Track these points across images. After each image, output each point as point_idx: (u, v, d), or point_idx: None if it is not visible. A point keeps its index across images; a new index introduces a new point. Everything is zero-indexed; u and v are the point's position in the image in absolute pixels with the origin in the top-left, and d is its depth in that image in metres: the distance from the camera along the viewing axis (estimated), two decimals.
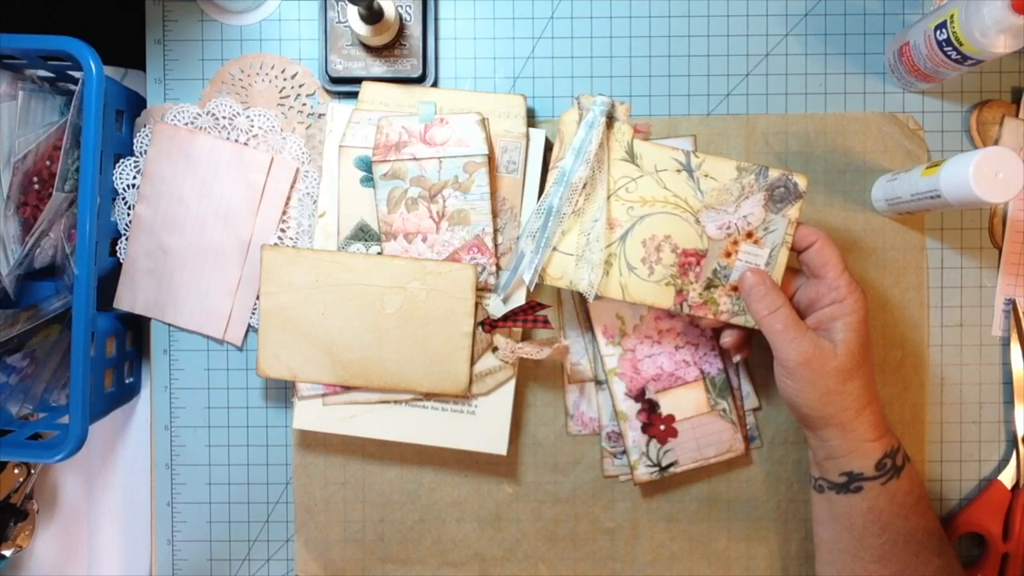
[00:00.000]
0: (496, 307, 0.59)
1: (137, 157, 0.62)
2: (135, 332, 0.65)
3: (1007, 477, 0.62)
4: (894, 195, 0.59)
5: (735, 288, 0.55)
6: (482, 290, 0.58)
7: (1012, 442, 0.62)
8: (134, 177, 0.61)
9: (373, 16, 0.57)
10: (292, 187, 0.61)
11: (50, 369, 0.62)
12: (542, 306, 0.57)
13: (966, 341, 0.63)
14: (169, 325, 0.63)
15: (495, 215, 0.58)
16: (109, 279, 0.62)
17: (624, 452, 0.61)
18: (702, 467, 0.60)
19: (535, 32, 0.63)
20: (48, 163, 0.58)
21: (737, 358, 0.57)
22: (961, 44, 0.53)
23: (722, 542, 0.63)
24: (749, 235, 0.54)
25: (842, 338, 0.50)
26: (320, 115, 0.62)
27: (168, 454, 0.63)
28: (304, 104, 0.62)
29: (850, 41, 0.62)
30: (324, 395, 0.58)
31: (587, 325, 0.61)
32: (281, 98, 0.62)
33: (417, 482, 0.63)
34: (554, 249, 0.55)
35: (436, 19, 0.62)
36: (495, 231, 0.58)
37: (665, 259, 0.55)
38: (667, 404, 0.60)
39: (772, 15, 0.62)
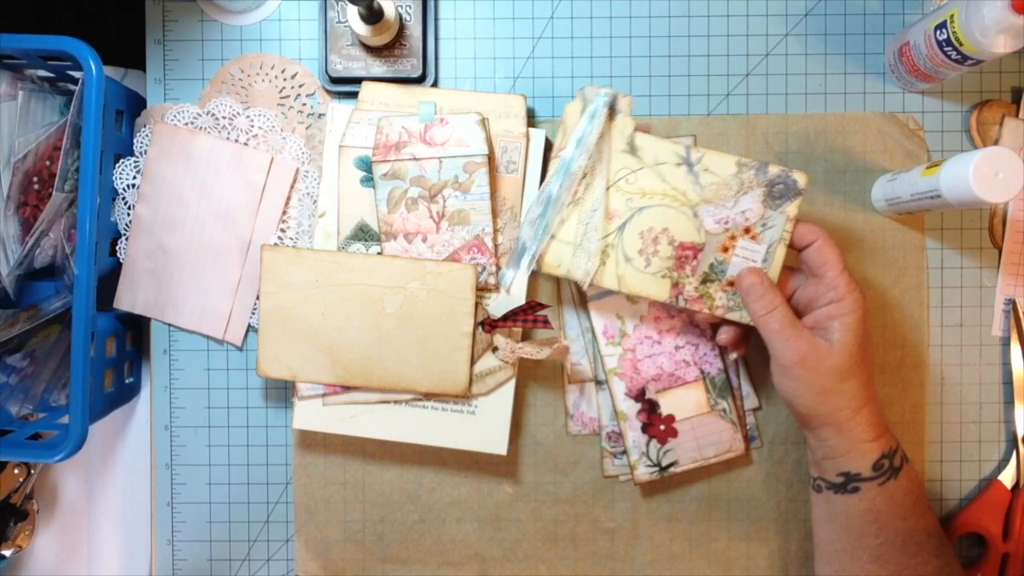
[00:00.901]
0: (496, 307, 0.59)
1: (137, 157, 0.62)
2: (135, 332, 0.65)
3: (1007, 477, 0.62)
4: (894, 195, 0.59)
5: (731, 283, 0.55)
6: (482, 290, 0.58)
7: (1012, 442, 0.62)
8: (134, 177, 0.61)
9: (373, 16, 0.57)
10: (292, 187, 0.61)
11: (50, 369, 0.62)
12: (542, 306, 0.57)
13: (966, 341, 0.63)
14: (169, 325, 0.63)
15: (495, 215, 0.58)
16: (109, 279, 0.62)
17: (624, 452, 0.61)
18: (702, 467, 0.60)
19: (535, 32, 0.63)
20: (48, 163, 0.58)
21: (733, 356, 0.57)
22: (961, 44, 0.53)
23: (722, 542, 0.63)
24: (747, 231, 0.54)
25: (839, 337, 0.50)
26: (320, 115, 0.62)
27: (168, 454, 0.63)
28: (304, 104, 0.62)
29: (850, 41, 0.62)
30: (324, 395, 0.58)
31: (587, 325, 0.61)
32: (281, 98, 0.62)
33: (417, 482, 0.63)
34: (552, 237, 0.55)
35: (436, 19, 0.62)
36: (495, 231, 0.58)
37: (662, 251, 0.55)
38: (667, 404, 0.60)
39: (772, 15, 0.62)
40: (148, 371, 0.64)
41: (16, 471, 0.64)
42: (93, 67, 0.53)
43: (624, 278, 0.55)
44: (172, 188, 0.61)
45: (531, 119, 0.62)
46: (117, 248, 0.62)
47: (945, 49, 0.54)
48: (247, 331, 0.62)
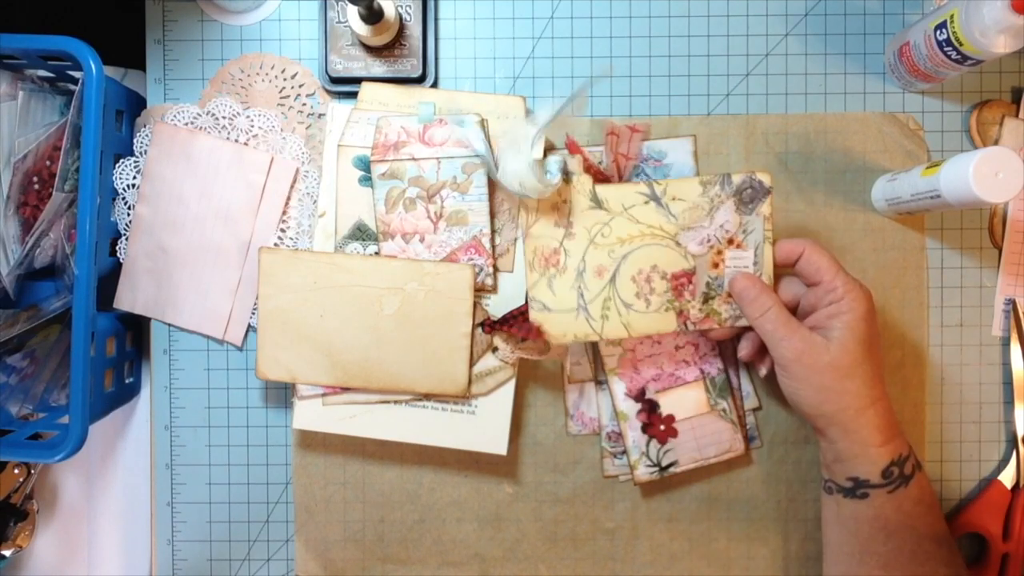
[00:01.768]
0: (496, 308, 0.59)
1: (137, 157, 0.62)
2: (135, 332, 0.65)
3: (1007, 477, 0.62)
4: (894, 195, 0.59)
5: (731, 294, 0.55)
6: (480, 291, 0.58)
7: (1012, 442, 0.62)
8: (134, 177, 0.61)
9: (373, 16, 0.57)
10: (292, 187, 0.61)
11: (50, 369, 0.62)
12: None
13: (966, 341, 0.62)
14: (169, 325, 0.63)
15: (493, 216, 0.58)
16: (109, 279, 0.62)
17: (624, 452, 0.61)
18: (702, 467, 0.60)
19: (535, 32, 0.63)
20: (48, 163, 0.58)
21: (763, 371, 0.57)
22: (961, 44, 0.53)
23: (722, 542, 0.63)
24: (731, 241, 0.55)
25: (837, 335, 0.50)
26: (320, 115, 0.62)
27: (168, 454, 0.63)
28: (304, 104, 0.62)
29: (850, 41, 0.62)
30: (324, 395, 0.58)
31: None
32: (281, 98, 0.62)
33: (417, 482, 0.63)
34: (549, 311, 0.56)
35: (436, 19, 0.62)
36: (493, 232, 0.58)
37: (658, 287, 0.55)
38: (667, 404, 0.60)
39: (772, 15, 0.62)
40: (148, 371, 0.65)
41: (16, 471, 0.64)
42: (93, 67, 0.53)
43: (631, 324, 0.56)
44: (172, 188, 0.61)
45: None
46: (117, 248, 0.62)
47: (945, 49, 0.54)
48: (247, 331, 0.62)
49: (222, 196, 0.61)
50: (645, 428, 0.60)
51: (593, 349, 0.61)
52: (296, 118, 0.62)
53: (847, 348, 0.50)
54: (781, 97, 0.63)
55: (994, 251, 0.62)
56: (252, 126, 0.61)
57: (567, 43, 0.63)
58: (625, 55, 0.62)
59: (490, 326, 0.57)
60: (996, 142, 0.62)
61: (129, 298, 0.62)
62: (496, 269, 0.59)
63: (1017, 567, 0.61)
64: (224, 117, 0.61)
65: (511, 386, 0.58)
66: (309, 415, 0.59)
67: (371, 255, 0.58)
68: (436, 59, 0.62)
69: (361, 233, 0.59)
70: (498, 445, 0.59)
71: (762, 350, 0.56)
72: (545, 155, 0.57)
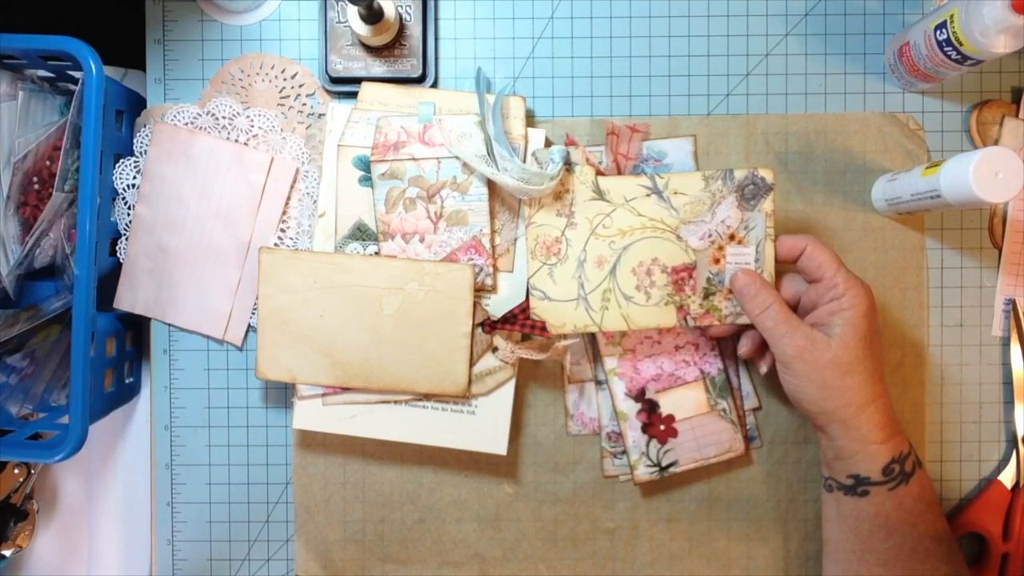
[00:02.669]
0: (495, 307, 0.59)
1: (137, 157, 0.62)
2: (135, 332, 0.65)
3: (1007, 477, 0.62)
4: (894, 195, 0.59)
5: (732, 291, 0.55)
6: (480, 291, 0.58)
7: (1012, 442, 0.62)
8: (134, 177, 0.61)
9: (373, 16, 0.57)
10: (292, 187, 0.61)
11: (50, 369, 0.62)
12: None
13: (966, 341, 0.62)
14: (169, 325, 0.63)
15: (493, 216, 0.58)
16: (109, 279, 0.62)
17: (624, 452, 0.61)
18: (702, 467, 0.60)
19: (535, 32, 0.63)
20: (48, 163, 0.58)
21: (764, 369, 0.57)
22: (961, 44, 0.53)
23: (722, 542, 0.63)
24: (732, 237, 0.55)
25: (838, 332, 0.50)
26: (320, 115, 0.62)
27: (168, 454, 0.63)
28: (304, 104, 0.62)
29: (850, 41, 0.62)
30: (324, 395, 0.58)
31: None
32: (281, 98, 0.62)
33: (417, 482, 0.63)
34: (549, 300, 0.56)
35: (436, 19, 0.62)
36: (493, 232, 0.58)
37: (658, 281, 0.55)
38: (667, 404, 0.60)
39: (772, 15, 0.62)
40: (148, 371, 0.65)
41: (16, 471, 0.64)
42: (93, 67, 0.53)
43: (630, 316, 0.56)
44: (172, 188, 0.61)
45: (530, 119, 0.62)
46: (117, 248, 0.62)
47: (945, 49, 0.54)
48: (247, 331, 0.62)
49: (222, 196, 0.61)
50: (645, 428, 0.60)
51: (593, 349, 0.61)
52: (296, 118, 0.62)
53: (848, 345, 0.50)
54: (781, 97, 0.63)
55: (994, 251, 0.62)
56: (252, 126, 0.61)
57: (567, 43, 0.63)
58: (625, 55, 0.62)
59: (490, 326, 0.57)
60: (996, 142, 0.62)
61: (129, 298, 0.62)
62: (496, 269, 0.59)
63: (1017, 567, 0.61)
64: (224, 117, 0.61)
65: (511, 386, 0.58)
66: (309, 415, 0.59)
67: (371, 255, 0.58)
68: (436, 59, 0.62)
69: (361, 233, 0.59)
70: (498, 445, 0.59)
71: (762, 347, 0.56)
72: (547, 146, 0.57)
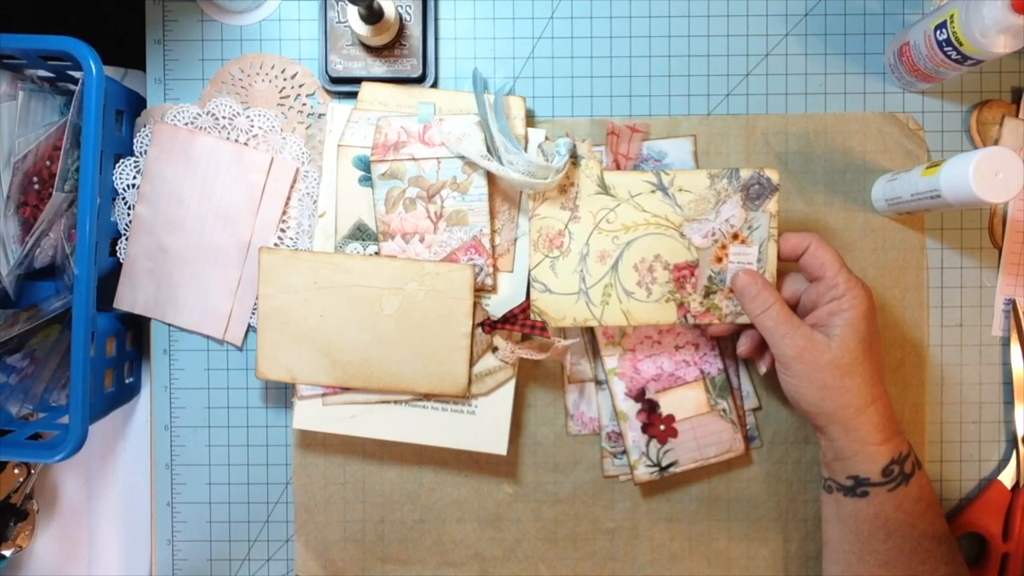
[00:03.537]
0: (495, 307, 0.59)
1: (137, 157, 0.62)
2: (135, 332, 0.65)
3: (1007, 477, 0.62)
4: (894, 195, 0.59)
5: (733, 290, 0.55)
6: (480, 291, 0.58)
7: (1012, 442, 0.62)
8: (134, 177, 0.61)
9: (373, 16, 0.57)
10: (292, 187, 0.61)
11: (50, 369, 0.62)
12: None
13: (966, 341, 0.62)
14: (169, 325, 0.63)
15: (493, 216, 0.58)
16: (109, 279, 0.62)
17: (624, 452, 0.61)
18: (702, 467, 0.60)
19: (535, 32, 0.63)
20: (48, 163, 0.58)
21: (763, 368, 0.57)
22: (961, 44, 0.53)
23: (722, 542, 0.63)
24: (735, 236, 0.55)
25: (838, 333, 0.50)
26: (320, 115, 0.62)
27: (168, 454, 0.63)
28: (304, 104, 0.62)
29: (850, 41, 0.62)
30: (324, 395, 0.58)
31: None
32: (281, 98, 0.62)
33: (417, 482, 0.63)
34: (550, 293, 0.56)
35: (436, 19, 0.62)
36: (493, 232, 0.58)
37: (659, 277, 0.55)
38: (667, 404, 0.60)
39: (772, 15, 0.62)
40: (148, 371, 0.65)
41: (16, 471, 0.64)
42: (93, 67, 0.53)
43: (630, 312, 0.56)
44: (172, 188, 0.61)
45: (530, 119, 0.62)
46: (117, 248, 0.62)
47: (945, 49, 0.54)
48: (247, 331, 0.62)
49: (222, 196, 0.61)
50: (645, 428, 0.60)
51: (593, 349, 0.61)
52: (296, 118, 0.62)
53: (848, 346, 0.50)
54: (781, 97, 0.63)
55: (994, 251, 0.62)
56: (252, 126, 0.61)
57: (567, 43, 0.63)
58: (625, 55, 0.62)
59: (490, 326, 0.57)
60: (996, 142, 0.62)
61: (129, 298, 0.62)
62: (496, 269, 0.59)
63: (1017, 567, 0.61)
64: (224, 117, 0.61)
65: (511, 386, 0.58)
66: (309, 415, 0.59)
67: (371, 255, 0.58)
68: (436, 59, 0.62)
69: (361, 233, 0.59)
70: (498, 445, 0.59)
71: (761, 347, 0.56)
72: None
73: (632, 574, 0.63)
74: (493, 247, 0.58)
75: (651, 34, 0.62)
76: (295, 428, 0.60)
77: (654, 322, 0.56)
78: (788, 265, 0.56)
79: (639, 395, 0.60)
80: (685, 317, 0.56)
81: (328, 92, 0.62)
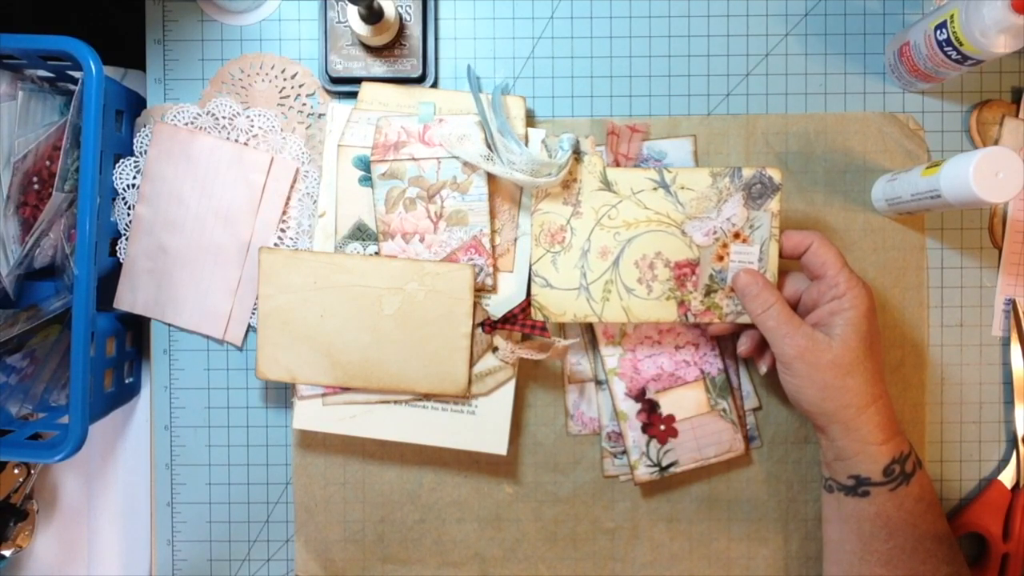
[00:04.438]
0: (496, 308, 0.59)
1: (137, 157, 0.62)
2: (135, 332, 0.65)
3: (1007, 477, 0.62)
4: (894, 195, 0.59)
5: (733, 289, 0.55)
6: (480, 291, 0.58)
7: (1012, 442, 0.62)
8: (134, 177, 0.61)
9: (373, 16, 0.57)
10: (292, 187, 0.61)
11: (50, 369, 0.62)
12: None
13: (966, 341, 0.62)
14: (169, 325, 0.63)
15: (493, 216, 0.58)
16: (109, 279, 0.62)
17: (624, 452, 0.61)
18: (702, 467, 0.60)
19: (535, 32, 0.63)
20: (48, 163, 0.58)
21: (763, 368, 0.57)
22: (961, 44, 0.53)
23: (722, 542, 0.63)
24: (736, 235, 0.55)
25: (839, 332, 0.50)
26: (320, 115, 0.62)
27: (168, 454, 0.63)
28: (304, 104, 0.62)
29: (850, 41, 0.62)
30: (324, 395, 0.58)
31: (587, 325, 0.61)
32: (281, 98, 0.62)
33: (417, 482, 0.63)
34: (551, 288, 0.56)
35: (436, 19, 0.62)
36: (493, 232, 0.58)
37: (660, 275, 0.55)
38: (667, 404, 0.60)
39: (772, 15, 0.62)
40: (148, 371, 0.65)
41: (16, 471, 0.64)
42: (93, 67, 0.53)
43: (630, 309, 0.56)
44: (172, 188, 0.61)
45: (530, 119, 0.62)
46: (117, 248, 0.62)
47: (945, 49, 0.54)
48: (247, 331, 0.62)
49: (222, 196, 0.61)
50: (645, 428, 0.60)
51: (593, 349, 0.61)
52: (296, 118, 0.62)
53: (849, 346, 0.50)
54: (781, 97, 0.63)
55: (994, 251, 0.62)
56: (252, 126, 0.61)
57: (567, 43, 0.63)
58: (625, 55, 0.62)
59: (490, 326, 0.57)
60: (996, 142, 0.62)
61: (129, 298, 0.62)
62: (496, 269, 0.59)
63: (1017, 567, 0.61)
64: (224, 117, 0.61)
65: (511, 386, 0.58)
66: (309, 415, 0.59)
67: (371, 255, 0.58)
68: (436, 59, 0.62)
69: (361, 233, 0.59)
70: (498, 445, 0.59)
71: (762, 347, 0.56)
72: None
73: (632, 574, 0.63)
74: (493, 247, 0.58)
75: (651, 34, 0.62)
76: (295, 428, 0.60)
77: (654, 319, 0.56)
78: (789, 264, 0.56)
79: (639, 395, 0.60)
80: (685, 315, 0.56)
81: (328, 92, 0.62)
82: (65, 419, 0.56)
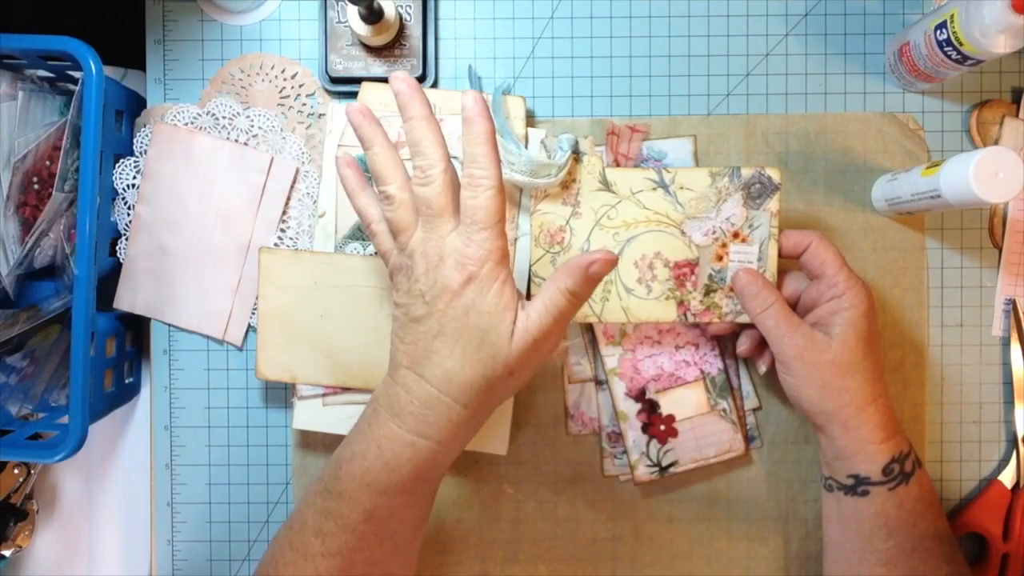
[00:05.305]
0: None
1: (137, 157, 0.62)
2: (135, 332, 0.65)
3: (1007, 477, 0.62)
4: (894, 195, 0.59)
5: (733, 289, 0.55)
6: None
7: (1012, 442, 0.62)
8: (134, 177, 0.61)
9: (373, 16, 0.57)
10: (292, 187, 0.61)
11: (50, 369, 0.62)
12: None
13: (966, 341, 0.62)
14: (169, 325, 0.63)
15: None
16: (109, 279, 0.62)
17: (624, 452, 0.61)
18: (702, 467, 0.60)
19: (535, 32, 0.63)
20: (48, 163, 0.58)
21: (763, 368, 0.57)
22: (961, 44, 0.53)
23: (722, 542, 0.63)
24: (736, 235, 0.55)
25: (838, 332, 0.50)
26: (320, 115, 0.62)
27: (168, 454, 0.63)
28: (304, 104, 0.62)
29: (850, 41, 0.62)
30: (324, 395, 0.58)
31: (587, 325, 0.61)
32: (281, 98, 0.62)
33: None
34: None
35: (436, 19, 0.62)
36: None
37: (660, 275, 0.56)
38: (667, 404, 0.60)
39: (772, 15, 0.62)
40: (148, 371, 0.64)
41: (16, 471, 0.64)
42: (93, 67, 0.53)
43: (630, 309, 0.56)
44: (172, 188, 0.61)
45: (530, 119, 0.62)
46: (117, 248, 0.62)
47: (945, 49, 0.54)
48: (247, 331, 0.62)
49: (222, 196, 0.61)
50: (645, 428, 0.60)
51: (593, 349, 0.61)
52: (296, 118, 0.62)
53: (848, 345, 0.50)
54: (781, 97, 0.63)
55: (994, 251, 0.62)
56: (252, 126, 0.61)
57: (567, 43, 0.63)
58: (625, 55, 0.62)
59: None
60: (996, 142, 0.62)
61: (129, 298, 0.62)
62: None
63: (1017, 567, 0.61)
64: (224, 117, 0.61)
65: None
66: (309, 415, 0.59)
67: (371, 255, 0.58)
68: (436, 59, 0.62)
69: (361, 233, 0.59)
70: (498, 445, 0.59)
71: (761, 346, 0.56)
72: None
73: (632, 574, 0.63)
74: None
75: (651, 34, 0.62)
76: (295, 428, 0.60)
77: (654, 319, 0.56)
78: (788, 263, 0.56)
79: (639, 395, 0.60)
80: (685, 315, 0.56)
81: (328, 92, 0.62)
82: (65, 419, 0.56)
